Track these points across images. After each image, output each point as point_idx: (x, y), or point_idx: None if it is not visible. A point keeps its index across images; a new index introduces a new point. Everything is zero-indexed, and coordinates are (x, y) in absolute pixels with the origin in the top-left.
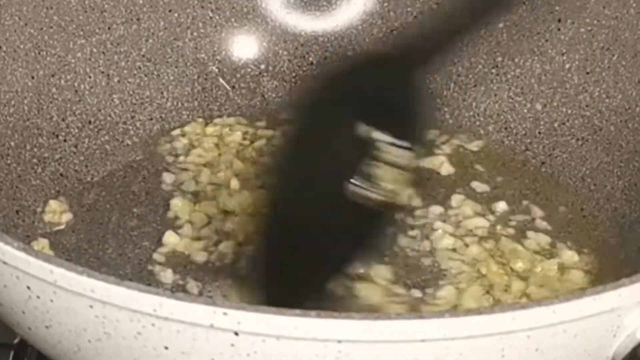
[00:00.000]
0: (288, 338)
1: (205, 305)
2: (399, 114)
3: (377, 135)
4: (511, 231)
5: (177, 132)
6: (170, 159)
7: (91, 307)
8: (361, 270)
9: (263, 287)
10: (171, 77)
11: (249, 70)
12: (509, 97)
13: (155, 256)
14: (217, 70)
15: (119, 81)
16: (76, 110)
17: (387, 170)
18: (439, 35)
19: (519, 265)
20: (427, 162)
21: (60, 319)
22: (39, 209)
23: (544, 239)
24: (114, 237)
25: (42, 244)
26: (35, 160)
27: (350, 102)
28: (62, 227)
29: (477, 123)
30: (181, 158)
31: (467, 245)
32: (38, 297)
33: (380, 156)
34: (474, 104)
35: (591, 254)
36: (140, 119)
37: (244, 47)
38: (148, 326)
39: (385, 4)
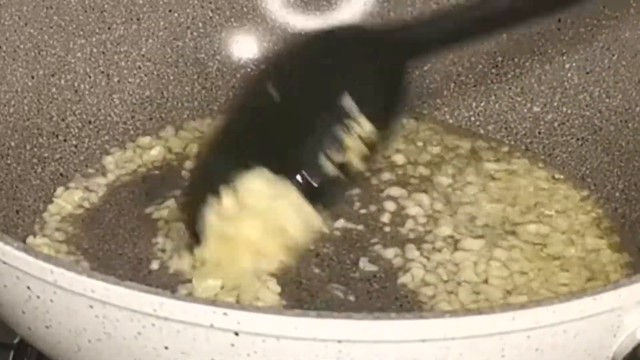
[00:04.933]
0: (288, 338)
1: (205, 305)
2: (375, 93)
3: (350, 104)
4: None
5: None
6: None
7: (91, 307)
8: None
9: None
10: (171, 77)
11: (249, 70)
12: (509, 97)
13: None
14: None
15: (119, 81)
16: (76, 110)
17: (354, 141)
18: (445, 33)
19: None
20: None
21: (60, 319)
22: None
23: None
24: (113, 237)
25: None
26: (35, 160)
27: (334, 71)
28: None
29: (477, 123)
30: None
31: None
32: (38, 297)
33: (350, 126)
34: (474, 104)
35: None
36: (140, 119)
37: (244, 47)
38: (148, 326)
39: (385, 4)
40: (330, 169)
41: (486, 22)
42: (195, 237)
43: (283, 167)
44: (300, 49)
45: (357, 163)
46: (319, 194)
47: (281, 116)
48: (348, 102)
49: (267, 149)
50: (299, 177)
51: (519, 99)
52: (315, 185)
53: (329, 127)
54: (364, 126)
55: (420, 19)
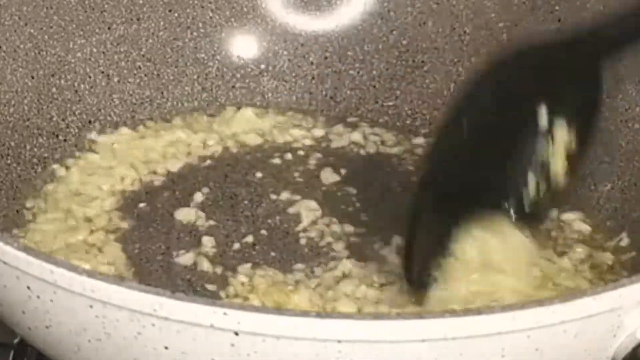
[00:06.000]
0: (288, 338)
1: (205, 305)
2: (574, 97)
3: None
4: None
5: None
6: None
7: (91, 307)
8: None
9: None
10: (171, 77)
11: (249, 70)
12: None
13: None
14: None
15: (119, 81)
16: (76, 110)
17: (558, 155)
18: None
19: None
20: None
21: (60, 319)
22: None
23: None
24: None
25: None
26: (35, 160)
27: (527, 87)
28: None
29: None
30: None
31: None
32: (38, 297)
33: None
34: None
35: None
36: (140, 119)
37: (244, 47)
38: (148, 326)
39: (385, 4)
40: (538, 190)
41: None
42: (414, 286)
43: (491, 199)
44: (488, 75)
45: (562, 177)
46: (529, 217)
47: (481, 148)
48: (544, 114)
49: (474, 185)
50: (507, 206)
51: None
52: (527, 210)
53: (530, 146)
54: (564, 135)
55: (609, 16)
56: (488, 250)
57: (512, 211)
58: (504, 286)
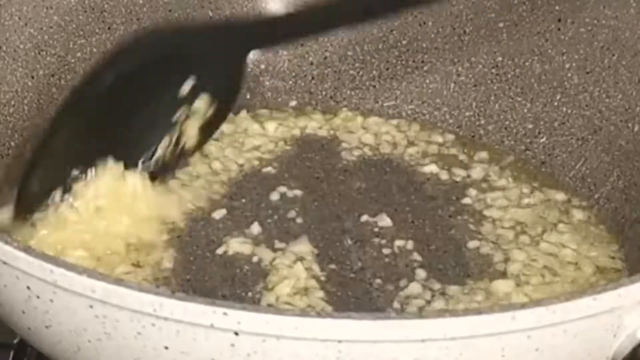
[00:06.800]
0: (288, 338)
1: (205, 305)
2: (217, 75)
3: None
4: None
5: None
6: None
7: (91, 307)
8: None
9: None
10: None
11: (249, 70)
12: (509, 97)
13: None
14: None
15: None
16: None
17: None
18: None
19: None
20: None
21: (60, 319)
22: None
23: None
24: None
25: None
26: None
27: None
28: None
29: (477, 123)
30: None
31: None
32: (38, 297)
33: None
34: (473, 103)
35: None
36: None
37: None
38: (148, 326)
39: None
40: (167, 154)
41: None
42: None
43: (124, 155)
44: (141, 41)
45: (193, 142)
46: (158, 173)
47: (122, 105)
48: (190, 86)
49: (109, 139)
50: (139, 164)
51: (519, 99)
52: (152, 169)
53: (170, 111)
54: (203, 107)
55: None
56: (101, 196)
57: (142, 166)
58: (110, 231)
